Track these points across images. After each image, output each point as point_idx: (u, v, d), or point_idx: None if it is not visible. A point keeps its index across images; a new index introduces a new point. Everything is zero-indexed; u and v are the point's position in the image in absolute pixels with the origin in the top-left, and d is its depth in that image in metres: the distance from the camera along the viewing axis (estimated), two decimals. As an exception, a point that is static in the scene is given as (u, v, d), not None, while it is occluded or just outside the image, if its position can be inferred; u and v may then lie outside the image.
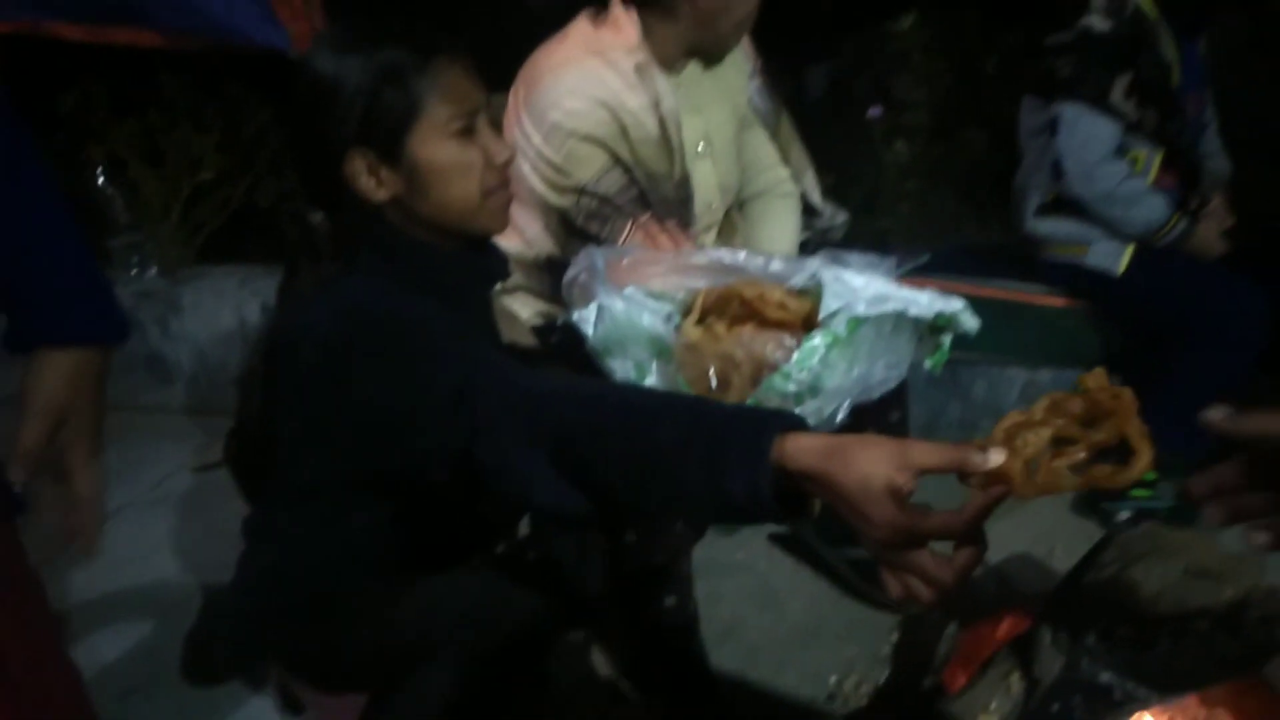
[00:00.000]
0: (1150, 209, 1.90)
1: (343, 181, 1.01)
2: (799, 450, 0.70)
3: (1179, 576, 1.22)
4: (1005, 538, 1.86)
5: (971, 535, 0.71)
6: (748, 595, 1.80)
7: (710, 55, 1.51)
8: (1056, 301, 2.12)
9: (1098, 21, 1.88)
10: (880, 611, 1.71)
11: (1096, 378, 0.74)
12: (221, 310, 2.61)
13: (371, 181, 1.01)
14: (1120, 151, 1.90)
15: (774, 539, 1.94)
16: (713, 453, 0.74)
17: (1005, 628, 1.48)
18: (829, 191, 2.78)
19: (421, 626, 1.14)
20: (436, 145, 1.00)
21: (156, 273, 2.71)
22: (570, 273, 1.27)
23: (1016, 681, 1.30)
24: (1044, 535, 1.87)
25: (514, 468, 0.85)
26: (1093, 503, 1.97)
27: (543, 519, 1.29)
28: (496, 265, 1.15)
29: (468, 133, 1.01)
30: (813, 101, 3.61)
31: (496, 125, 1.05)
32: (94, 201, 2.64)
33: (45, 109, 2.78)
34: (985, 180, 2.34)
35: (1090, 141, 1.88)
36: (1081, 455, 0.70)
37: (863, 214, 2.76)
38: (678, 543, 1.41)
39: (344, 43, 1.02)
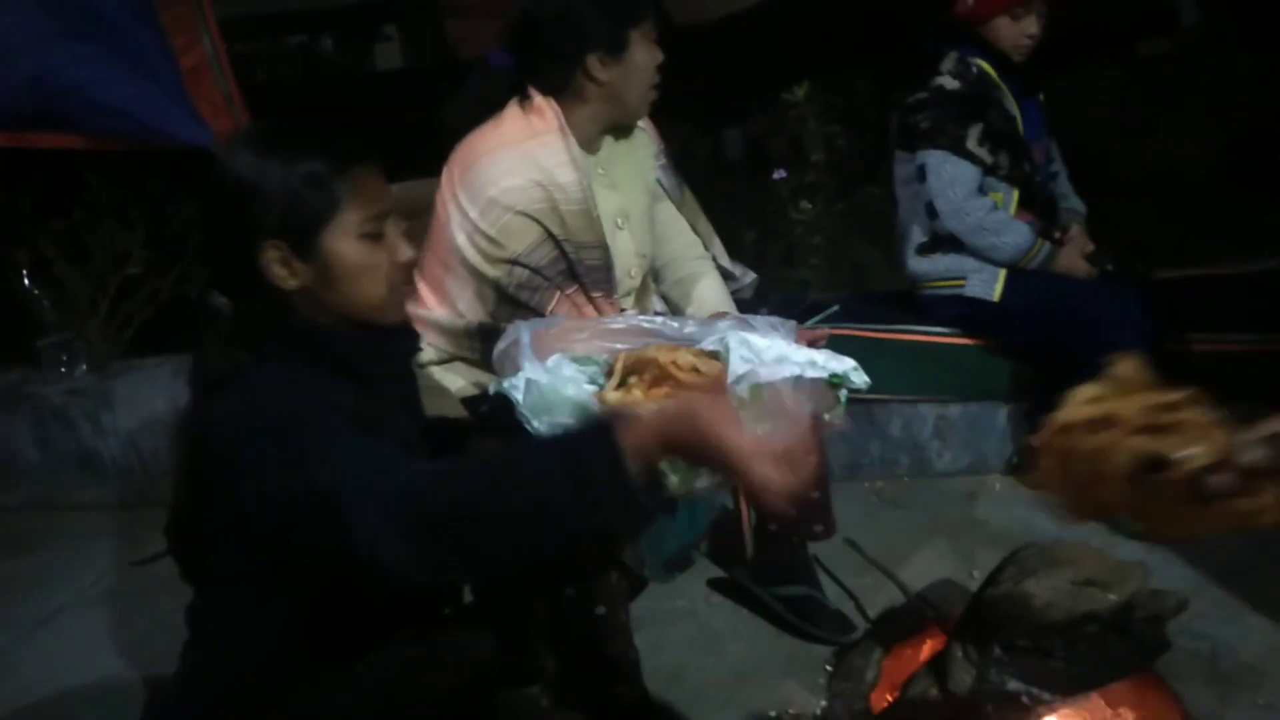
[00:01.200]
0: (1017, 234, 2.13)
1: (255, 270, 1.08)
2: (643, 430, 0.83)
3: (1068, 586, 1.34)
4: (928, 564, 1.97)
5: (806, 447, 0.85)
6: (689, 640, 1.87)
7: (622, 127, 1.66)
8: (956, 340, 2.29)
9: (948, 81, 2.15)
10: (815, 645, 1.79)
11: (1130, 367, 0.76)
12: (155, 401, 2.62)
13: (284, 271, 1.08)
14: (981, 191, 2.14)
15: (711, 584, 2.02)
16: (572, 468, 0.85)
17: (925, 649, 1.58)
18: (749, 247, 2.94)
19: (356, 711, 1.18)
20: (348, 245, 1.09)
21: (86, 369, 2.72)
22: (499, 345, 1.36)
23: (935, 697, 1.39)
24: (964, 560, 1.99)
25: (385, 559, 0.91)
26: None
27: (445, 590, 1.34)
28: (406, 344, 1.24)
29: (377, 235, 1.10)
30: (732, 163, 3.81)
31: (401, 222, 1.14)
32: (20, 303, 2.65)
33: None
34: (883, 231, 2.53)
35: (955, 181, 2.11)
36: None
37: (783, 266, 2.93)
38: (616, 593, 1.49)
39: (267, 145, 1.10)
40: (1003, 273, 2.15)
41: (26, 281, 2.67)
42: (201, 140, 2.46)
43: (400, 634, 1.23)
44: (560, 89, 1.57)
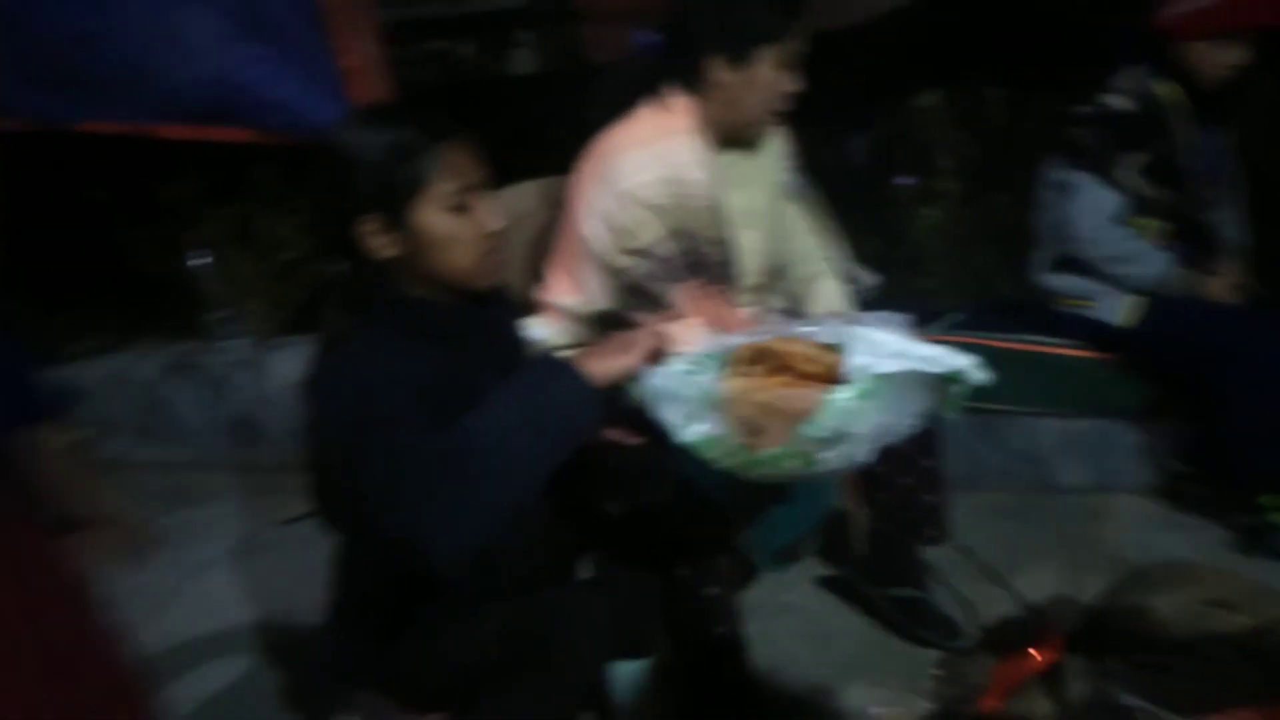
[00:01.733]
0: (1152, 265, 2.05)
1: (355, 239, 1.17)
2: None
3: (1195, 605, 1.31)
4: (1044, 579, 1.94)
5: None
6: (795, 634, 1.90)
7: (738, 137, 1.68)
8: (1087, 354, 2.23)
9: (1117, 100, 2.03)
10: (921, 648, 1.80)
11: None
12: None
13: (379, 242, 1.17)
14: (1124, 219, 2.05)
15: (820, 581, 2.05)
16: (545, 401, 1.09)
17: (1037, 661, 1.56)
18: (870, 257, 2.93)
19: (495, 651, 1.28)
20: (436, 216, 1.17)
21: (247, 343, 2.96)
22: None
23: (1047, 706, 1.38)
24: (1083, 578, 1.94)
25: (408, 534, 1.03)
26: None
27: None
28: (502, 316, 1.34)
29: (464, 208, 1.18)
30: (855, 169, 3.80)
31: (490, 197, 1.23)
32: (193, 281, 2.92)
33: (146, 200, 3.10)
34: (1011, 241, 2.48)
35: (1097, 208, 2.04)
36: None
37: (906, 274, 2.91)
38: (729, 575, 1.54)
39: (365, 122, 1.20)
40: (1134, 298, 2.08)
41: (200, 262, 2.93)
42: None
43: (518, 598, 1.32)
44: (689, 85, 1.63)
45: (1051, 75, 2.22)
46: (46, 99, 2.70)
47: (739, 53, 1.58)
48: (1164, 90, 2.03)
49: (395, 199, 1.16)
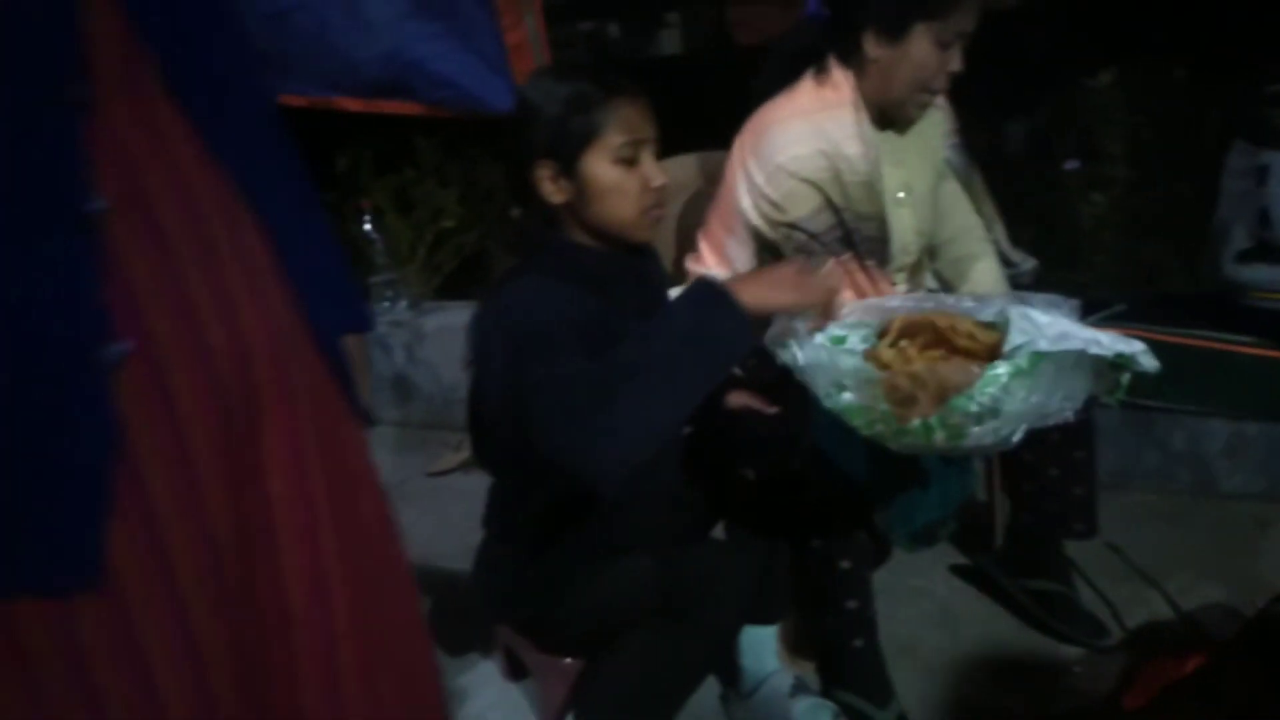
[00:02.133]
0: None
1: (531, 185, 1.27)
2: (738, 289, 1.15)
3: (1372, 615, 1.22)
4: (1200, 586, 1.84)
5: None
6: (924, 618, 1.88)
7: (896, 113, 1.65)
8: (1264, 351, 2.08)
9: None
10: (1061, 644, 1.74)
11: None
12: (457, 340, 2.97)
13: (551, 188, 1.26)
14: None
15: (954, 569, 2.01)
16: (701, 326, 1.13)
17: (1190, 664, 1.49)
18: (1027, 243, 2.82)
19: (637, 601, 1.34)
20: (605, 167, 1.24)
21: (405, 306, 3.14)
22: (771, 329, 1.41)
23: (1199, 707, 1.33)
24: (1243, 588, 1.83)
25: (564, 455, 1.09)
26: None
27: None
28: (651, 269, 1.40)
29: (632, 161, 1.25)
30: (1012, 155, 3.64)
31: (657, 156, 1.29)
32: (359, 245, 3.11)
33: (324, 168, 3.32)
34: (1183, 231, 2.33)
35: None
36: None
37: (1061, 267, 2.78)
38: (862, 552, 1.54)
39: (550, 75, 1.31)
40: None
41: (366, 227, 3.12)
42: (517, 110, 2.76)
43: (661, 552, 1.37)
44: (847, 58, 1.62)
45: (1237, 53, 2.06)
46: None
47: (894, 28, 1.55)
48: None
49: (568, 147, 1.24)
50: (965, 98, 1.75)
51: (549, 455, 1.09)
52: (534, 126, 1.25)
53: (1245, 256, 2.04)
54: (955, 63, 1.57)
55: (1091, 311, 2.24)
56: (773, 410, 1.58)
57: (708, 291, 1.16)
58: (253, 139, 0.84)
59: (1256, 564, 1.90)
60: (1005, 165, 3.36)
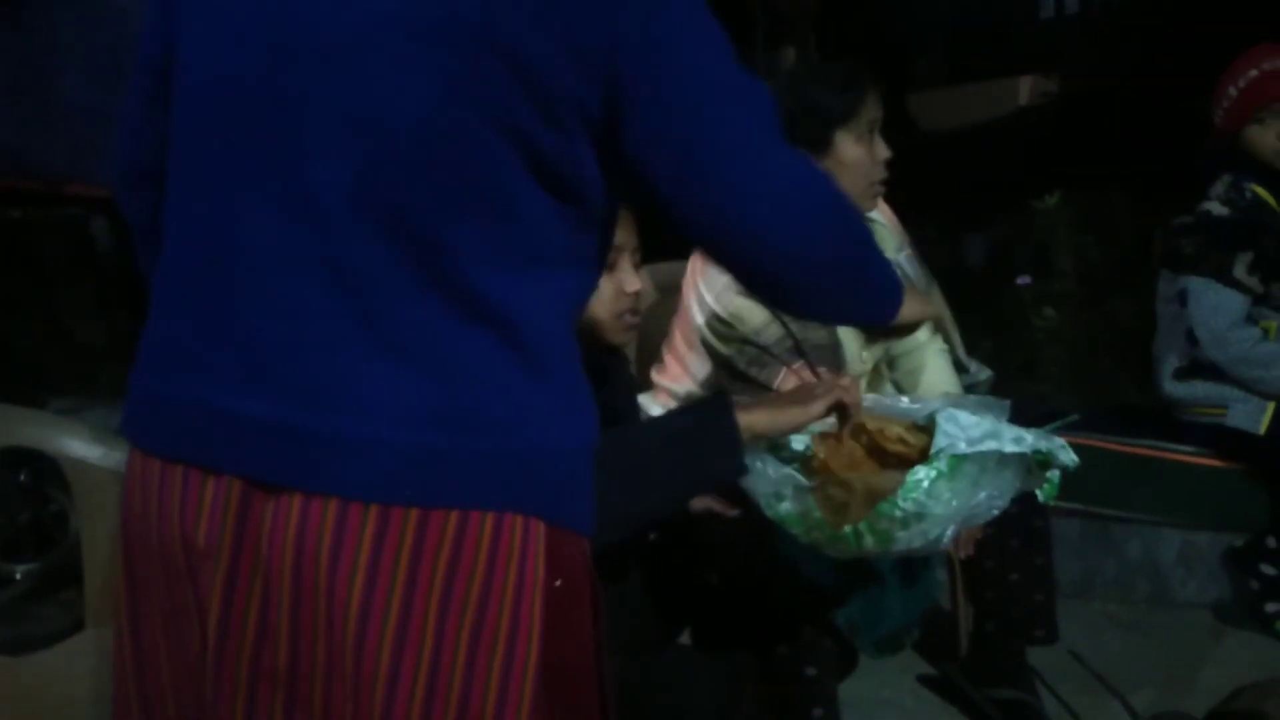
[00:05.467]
0: None
1: None
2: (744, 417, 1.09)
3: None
4: (1159, 694, 1.86)
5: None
6: (894, 730, 1.87)
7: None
8: (1210, 461, 2.16)
9: (1216, 207, 2.05)
10: (1026, 754, 1.74)
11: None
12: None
13: None
14: (1250, 320, 2.02)
15: (921, 679, 2.01)
16: (693, 443, 1.10)
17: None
18: (985, 354, 2.93)
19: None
20: None
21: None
22: None
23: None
24: (1201, 696, 1.85)
25: None
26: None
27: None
28: (622, 372, 1.44)
29: (611, 266, 1.28)
30: (972, 270, 3.81)
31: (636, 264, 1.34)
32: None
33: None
34: (1130, 345, 2.45)
35: (1219, 310, 2.02)
36: None
37: (1021, 378, 2.88)
38: (828, 658, 1.55)
39: None
40: (1272, 404, 2.02)
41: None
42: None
43: (624, 660, 1.37)
44: None
45: (1173, 181, 2.23)
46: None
47: (818, 141, 1.65)
48: (1259, 191, 2.05)
49: None
50: (929, 215, 1.86)
51: None
52: None
53: (1180, 374, 2.14)
54: (882, 150, 1.67)
55: (1045, 422, 2.32)
56: (734, 513, 1.61)
57: (716, 404, 1.16)
58: None
59: (1212, 672, 1.93)
60: (964, 278, 3.52)
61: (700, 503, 1.63)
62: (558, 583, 0.75)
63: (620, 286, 1.31)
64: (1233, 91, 2.05)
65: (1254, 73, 2.05)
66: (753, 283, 0.92)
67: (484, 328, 0.73)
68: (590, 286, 0.86)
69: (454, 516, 0.71)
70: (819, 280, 0.88)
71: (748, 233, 0.81)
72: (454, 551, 0.71)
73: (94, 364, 3.16)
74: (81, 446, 1.46)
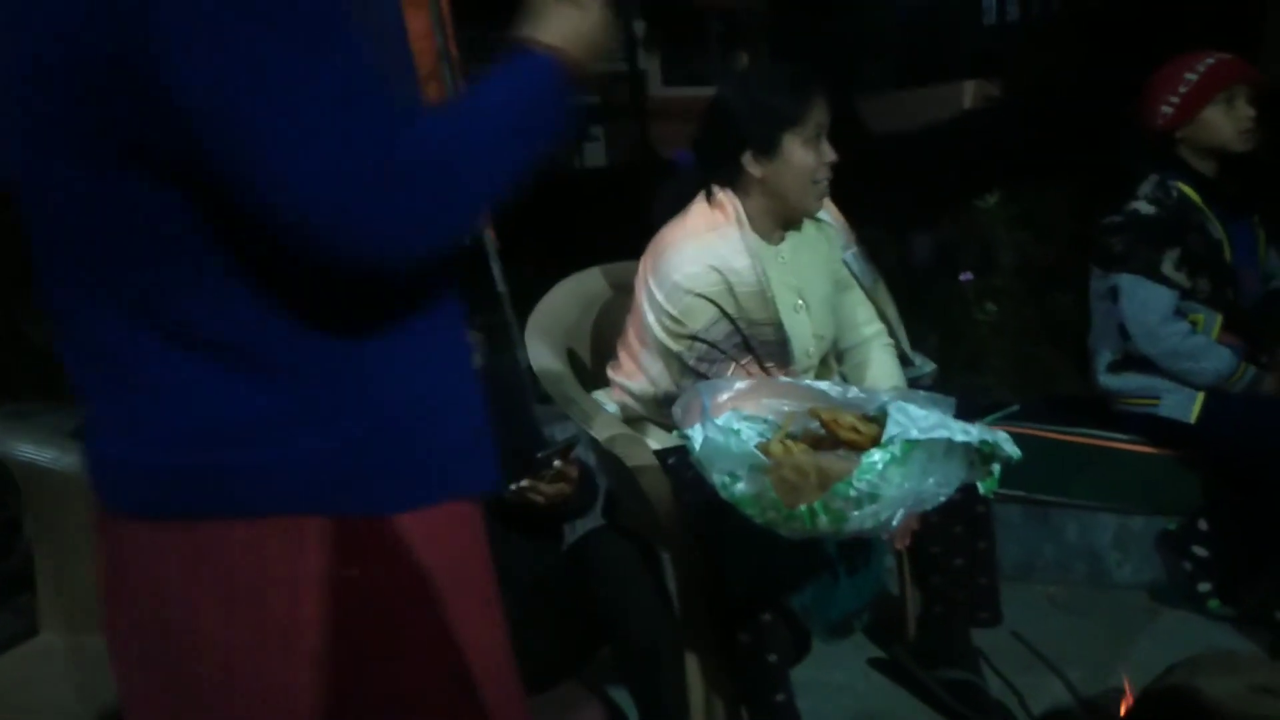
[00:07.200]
0: (1216, 359, 2.07)
1: None
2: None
3: (1242, 690, 1.33)
4: (1098, 672, 1.94)
5: None
6: (845, 713, 1.92)
7: (792, 220, 1.80)
8: (1144, 448, 2.25)
9: (1144, 206, 2.12)
10: (973, 731, 1.81)
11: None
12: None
13: None
14: (1179, 314, 2.10)
15: (872, 663, 2.07)
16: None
17: (1090, 745, 1.57)
18: (930, 349, 3.01)
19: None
20: None
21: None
22: (680, 400, 1.52)
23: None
24: (1138, 673, 1.94)
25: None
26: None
27: None
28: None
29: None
30: (917, 267, 3.91)
31: None
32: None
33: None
34: (1068, 338, 2.55)
35: (1149, 306, 2.08)
36: None
37: (965, 371, 2.97)
38: (784, 643, 1.60)
39: None
40: (1201, 395, 2.10)
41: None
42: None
43: None
44: (731, 183, 1.76)
45: (1108, 180, 2.30)
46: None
47: (767, 145, 1.70)
48: (1185, 190, 2.12)
49: None
50: (876, 215, 1.91)
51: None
52: None
53: (1114, 367, 2.22)
54: (829, 153, 1.73)
55: (988, 412, 2.39)
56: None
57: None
58: None
59: (1147, 649, 2.01)
60: (910, 276, 3.61)
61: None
62: (353, 572, 0.76)
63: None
64: (1190, 77, 2.09)
65: (1211, 60, 2.10)
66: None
67: (203, 351, 0.74)
68: (312, 284, 0.75)
69: (219, 526, 0.75)
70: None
71: (311, 222, 0.70)
72: (226, 557, 0.75)
73: (50, 366, 3.09)
74: (32, 450, 1.44)
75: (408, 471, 0.79)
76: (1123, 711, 1.46)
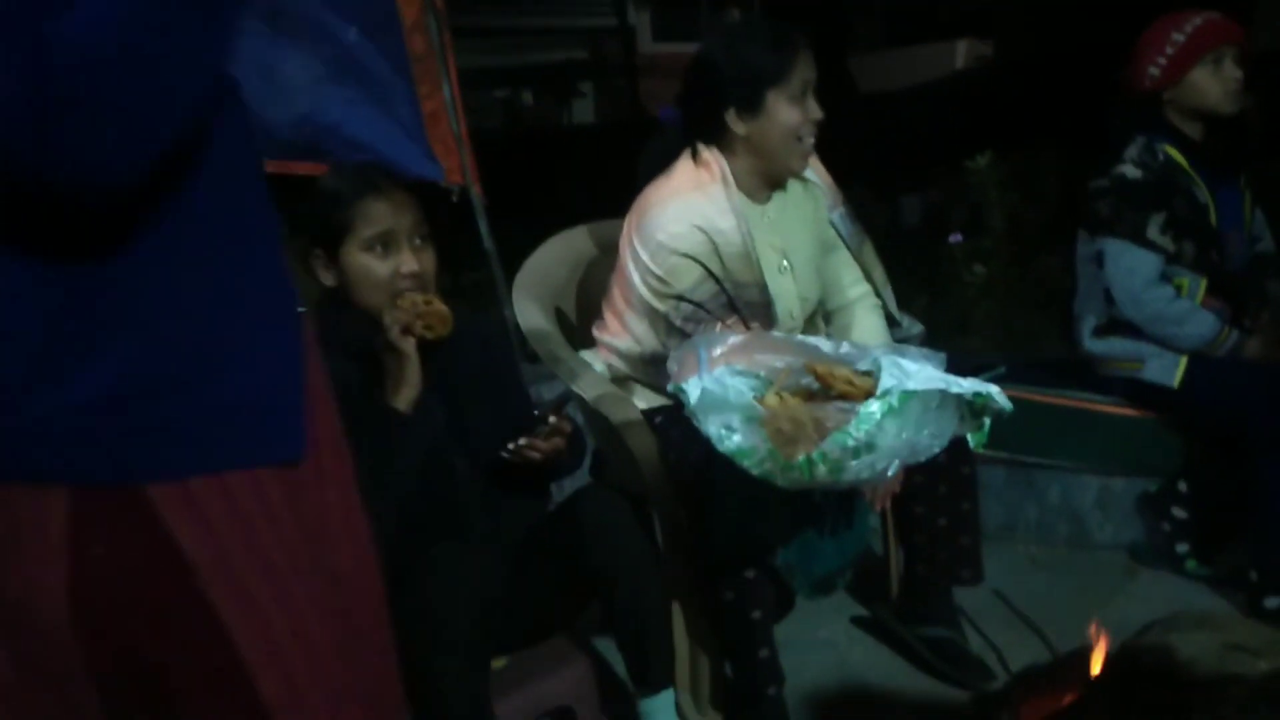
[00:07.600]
0: (1200, 324, 2.08)
1: (305, 266, 1.43)
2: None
3: (1216, 647, 1.35)
4: (1077, 631, 1.96)
5: None
6: (827, 669, 1.95)
7: (778, 178, 1.79)
8: (1127, 411, 2.27)
9: (1130, 170, 2.10)
10: (952, 688, 1.84)
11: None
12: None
13: (324, 273, 1.43)
14: (1164, 279, 2.10)
15: (855, 621, 2.10)
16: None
17: (1065, 699, 1.60)
18: (918, 310, 3.01)
19: None
20: (356, 256, 1.40)
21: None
22: (677, 353, 1.52)
23: (1071, 742, 1.42)
24: (1116, 632, 1.97)
25: None
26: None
27: None
28: (402, 365, 1.48)
29: (383, 249, 1.40)
30: (906, 227, 3.90)
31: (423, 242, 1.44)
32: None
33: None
34: (1060, 301, 2.55)
35: (1134, 271, 2.08)
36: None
37: (952, 332, 2.98)
38: (768, 599, 1.62)
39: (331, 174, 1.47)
40: (1184, 359, 2.11)
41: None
42: (433, 175, 2.82)
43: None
44: (716, 141, 1.73)
45: (1098, 141, 2.28)
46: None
47: (751, 102, 1.68)
48: (1171, 153, 2.10)
49: (330, 238, 1.42)
50: (865, 176, 1.90)
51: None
52: (303, 215, 1.43)
53: (1099, 331, 2.22)
54: (814, 110, 1.70)
55: (975, 373, 2.40)
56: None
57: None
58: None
59: (1126, 608, 2.05)
60: (899, 237, 3.60)
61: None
62: (98, 549, 0.69)
63: (399, 269, 1.42)
64: (1178, 38, 2.07)
65: (1198, 20, 2.08)
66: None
67: None
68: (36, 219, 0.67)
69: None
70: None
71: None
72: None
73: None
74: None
75: (160, 436, 0.69)
76: (1095, 663, 1.48)
